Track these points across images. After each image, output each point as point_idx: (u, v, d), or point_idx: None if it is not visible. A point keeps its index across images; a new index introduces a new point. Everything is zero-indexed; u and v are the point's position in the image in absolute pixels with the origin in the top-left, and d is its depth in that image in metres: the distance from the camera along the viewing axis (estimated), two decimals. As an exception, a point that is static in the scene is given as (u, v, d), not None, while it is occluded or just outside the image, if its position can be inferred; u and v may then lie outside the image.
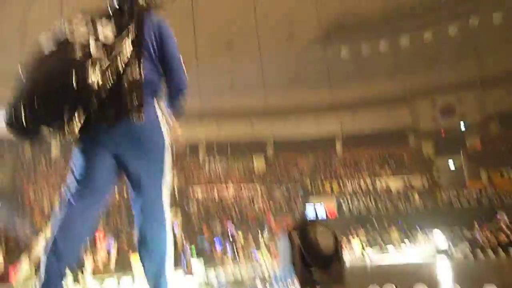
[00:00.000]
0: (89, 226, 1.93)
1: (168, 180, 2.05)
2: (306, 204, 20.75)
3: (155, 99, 2.06)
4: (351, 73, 24.26)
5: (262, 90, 26.20)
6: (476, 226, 9.85)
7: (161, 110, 2.09)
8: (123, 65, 1.86)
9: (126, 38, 1.92)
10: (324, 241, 1.88)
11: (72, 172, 1.95)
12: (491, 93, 23.46)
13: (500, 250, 7.39)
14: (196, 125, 26.60)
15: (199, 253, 7.56)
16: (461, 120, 24.36)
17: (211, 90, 25.43)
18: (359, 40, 24.06)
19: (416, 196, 20.15)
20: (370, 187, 21.71)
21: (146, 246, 1.96)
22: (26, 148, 23.58)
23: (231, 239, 11.45)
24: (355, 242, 14.27)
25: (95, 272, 5.11)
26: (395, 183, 21.94)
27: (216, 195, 21.70)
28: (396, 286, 2.03)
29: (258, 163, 25.72)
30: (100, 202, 1.96)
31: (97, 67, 1.76)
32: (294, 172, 24.67)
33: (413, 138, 25.17)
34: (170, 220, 2.04)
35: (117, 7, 2.04)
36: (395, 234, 15.81)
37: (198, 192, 21.79)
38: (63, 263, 1.82)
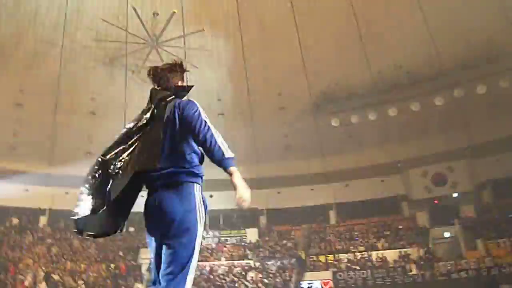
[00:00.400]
0: None
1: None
2: (301, 279, 20.07)
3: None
4: (342, 143, 24.60)
5: (254, 160, 26.38)
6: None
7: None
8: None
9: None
10: None
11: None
12: (481, 162, 23.71)
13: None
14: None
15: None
16: (453, 189, 24.37)
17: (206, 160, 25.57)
18: (349, 111, 24.67)
19: (414, 267, 19.60)
20: (366, 259, 21.14)
21: None
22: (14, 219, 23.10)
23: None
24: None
25: None
26: (391, 254, 21.45)
27: (208, 269, 20.95)
28: None
29: (251, 235, 25.17)
30: None
31: None
32: (288, 244, 24.10)
33: (407, 207, 25.01)
34: None
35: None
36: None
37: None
38: None
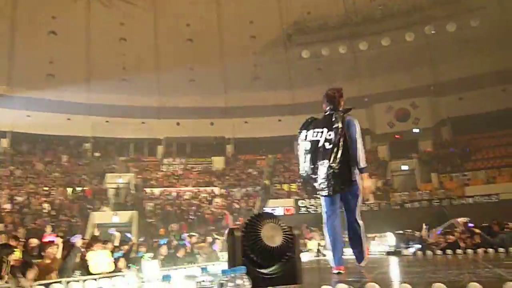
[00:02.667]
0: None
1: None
2: (264, 206, 20.85)
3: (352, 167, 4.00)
4: (311, 76, 24.62)
5: (223, 88, 26.18)
6: (425, 227, 10.20)
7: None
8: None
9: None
10: (268, 234, 1.88)
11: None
12: (444, 99, 24.45)
13: (449, 250, 7.69)
14: (154, 123, 26.21)
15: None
16: (415, 125, 25.21)
17: (171, 87, 25.14)
18: (320, 43, 24.45)
19: (371, 197, 20.64)
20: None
21: (352, 235, 4.06)
22: None
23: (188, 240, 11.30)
24: (312, 242, 14.42)
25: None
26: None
27: (174, 195, 21.38)
28: (348, 286, 2.04)
29: (218, 163, 25.60)
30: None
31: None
32: (254, 172, 24.71)
33: (369, 141, 25.82)
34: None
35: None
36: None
37: (156, 193, 21.40)
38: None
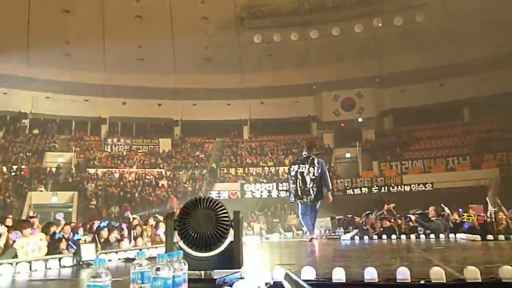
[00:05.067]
0: None
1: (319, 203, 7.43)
2: (211, 189, 20.85)
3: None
4: (262, 61, 24.67)
5: (172, 69, 25.61)
6: (364, 213, 10.63)
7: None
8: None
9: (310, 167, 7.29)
10: (200, 221, 1.87)
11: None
12: (388, 91, 25.41)
13: (385, 235, 8.06)
14: (98, 101, 25.22)
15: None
16: (359, 115, 26.05)
17: (118, 65, 24.26)
18: (272, 29, 24.47)
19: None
20: (273, 173, 22.39)
21: (311, 219, 7.35)
22: None
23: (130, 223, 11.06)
24: (255, 226, 14.63)
25: None
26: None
27: (118, 177, 20.85)
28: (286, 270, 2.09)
29: (164, 145, 25.18)
30: None
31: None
32: (201, 156, 24.56)
33: (316, 128, 26.39)
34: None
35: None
36: (294, 220, 16.45)
37: (98, 174, 20.75)
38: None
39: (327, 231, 11.89)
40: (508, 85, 20.99)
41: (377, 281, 2.11)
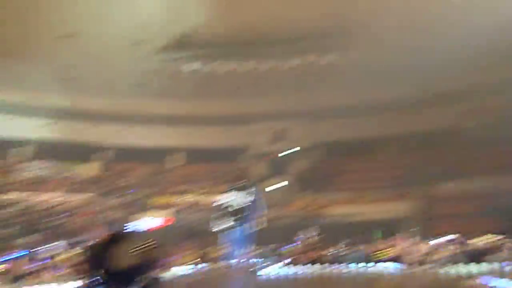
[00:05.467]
0: None
1: None
2: (135, 217, 20.11)
3: None
4: (196, 88, 24.65)
5: (107, 91, 24.77)
6: (290, 244, 10.75)
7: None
8: None
9: None
10: (117, 255, 1.80)
11: None
12: (320, 124, 26.33)
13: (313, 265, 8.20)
14: (23, 121, 23.67)
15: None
16: (292, 146, 26.69)
17: (46, 83, 23.04)
18: (207, 58, 24.63)
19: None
20: (204, 203, 22.11)
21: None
22: None
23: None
24: (184, 257, 14.26)
25: None
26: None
27: (34, 203, 19.47)
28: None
29: (90, 170, 24.03)
30: None
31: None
32: (130, 181, 23.76)
33: (248, 158, 26.62)
34: None
35: None
36: (220, 250, 16.20)
37: (10, 199, 19.21)
38: None
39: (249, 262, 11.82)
40: (433, 123, 22.86)
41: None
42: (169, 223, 20.32)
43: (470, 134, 22.37)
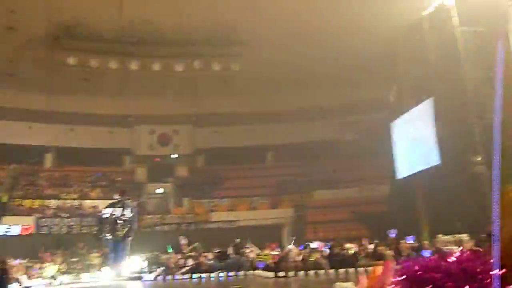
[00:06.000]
0: None
1: None
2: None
3: None
4: (76, 84, 23.01)
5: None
6: (168, 252, 10.52)
7: None
8: None
9: None
10: None
11: None
12: (203, 130, 26.36)
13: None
14: None
15: None
16: (174, 151, 26.28)
17: None
18: (90, 53, 23.15)
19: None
20: (76, 207, 20.61)
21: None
22: None
23: None
24: (50, 268, 13.00)
25: None
26: (104, 204, 21.47)
27: None
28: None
29: None
30: None
31: None
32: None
33: (128, 161, 25.57)
34: None
35: None
36: (96, 260, 15.20)
37: None
38: None
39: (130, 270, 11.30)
40: (307, 136, 24.34)
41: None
42: (29, 231, 18.43)
43: (344, 146, 24.37)
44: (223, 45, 23.13)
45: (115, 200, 8.59)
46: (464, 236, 10.01)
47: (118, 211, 8.19)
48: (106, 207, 8.57)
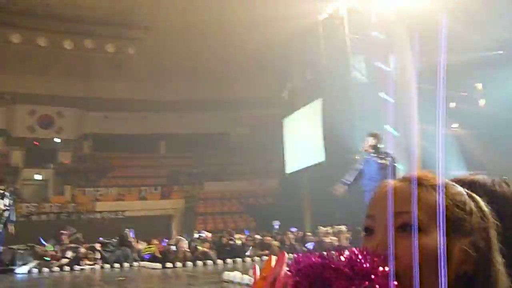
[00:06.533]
0: None
1: None
2: None
3: None
4: None
5: None
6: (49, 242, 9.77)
7: None
8: None
9: None
10: None
11: None
12: (91, 115, 24.80)
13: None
14: None
15: None
16: (57, 134, 24.38)
17: None
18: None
19: None
20: None
21: None
22: None
23: None
24: None
25: None
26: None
27: None
28: None
29: None
30: None
31: None
32: None
33: (3, 143, 23.14)
34: None
35: None
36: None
37: None
38: None
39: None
40: (200, 127, 24.28)
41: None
42: None
43: (236, 139, 24.80)
44: (119, 26, 22.02)
45: None
46: (343, 228, 10.85)
47: None
48: None
